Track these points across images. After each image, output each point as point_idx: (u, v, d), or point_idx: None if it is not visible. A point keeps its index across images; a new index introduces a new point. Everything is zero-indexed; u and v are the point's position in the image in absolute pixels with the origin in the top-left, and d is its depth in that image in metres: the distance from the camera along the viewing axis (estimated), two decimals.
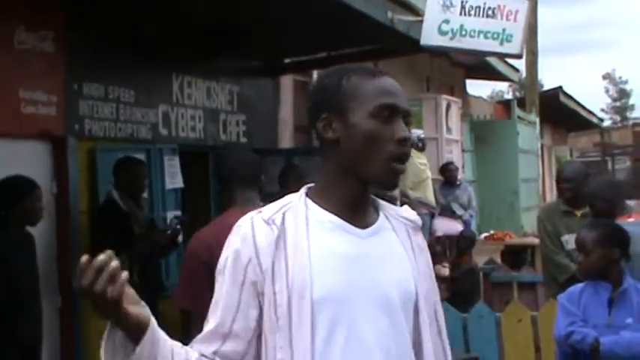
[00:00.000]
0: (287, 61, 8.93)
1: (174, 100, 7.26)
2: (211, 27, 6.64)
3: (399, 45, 7.88)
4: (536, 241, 8.96)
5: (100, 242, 5.74)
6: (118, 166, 6.05)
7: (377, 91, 1.80)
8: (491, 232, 12.82)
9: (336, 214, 1.80)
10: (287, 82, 9.35)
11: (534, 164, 17.12)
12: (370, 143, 1.77)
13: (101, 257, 1.60)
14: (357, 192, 1.82)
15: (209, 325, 1.82)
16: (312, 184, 1.87)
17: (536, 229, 6.29)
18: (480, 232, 13.33)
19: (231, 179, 3.69)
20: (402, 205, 2.00)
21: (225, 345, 1.79)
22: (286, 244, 1.76)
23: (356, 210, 1.82)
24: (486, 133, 15.20)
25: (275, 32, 7.04)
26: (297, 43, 7.88)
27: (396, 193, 9.33)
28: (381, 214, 1.87)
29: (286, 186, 5.95)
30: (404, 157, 1.80)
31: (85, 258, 1.60)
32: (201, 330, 1.85)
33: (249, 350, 1.79)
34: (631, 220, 4.66)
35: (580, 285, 4.10)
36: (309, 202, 1.82)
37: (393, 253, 1.83)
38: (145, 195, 6.54)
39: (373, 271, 1.78)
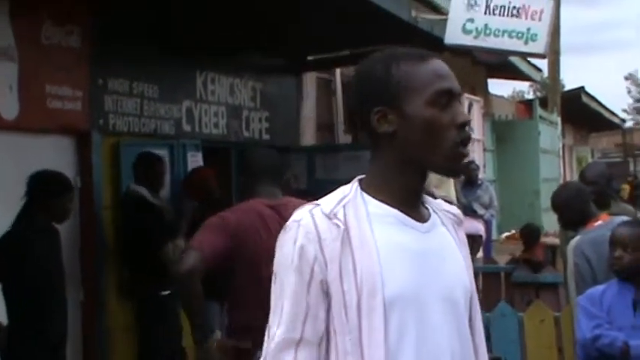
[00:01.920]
0: (310, 58, 8.93)
1: (197, 96, 7.28)
2: (236, 24, 6.65)
3: (423, 44, 7.86)
4: (557, 241, 8.94)
5: (141, 240, 5.81)
6: (141, 161, 6.11)
7: (430, 76, 1.72)
8: (512, 231, 12.78)
9: (393, 207, 1.71)
10: (310, 79, 9.34)
11: (555, 164, 17.05)
12: (432, 132, 1.69)
13: None
14: (416, 184, 1.75)
15: (277, 332, 1.67)
16: (363, 176, 1.77)
17: (558, 230, 6.26)
18: (501, 232, 13.29)
19: (255, 175, 3.85)
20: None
21: (298, 354, 1.65)
22: (351, 240, 1.65)
23: (414, 203, 1.75)
24: (508, 132, 15.16)
25: (299, 29, 7.04)
26: (320, 41, 7.88)
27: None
28: (430, 208, 1.80)
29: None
30: (466, 141, 1.73)
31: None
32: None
33: (320, 356, 1.66)
34: (599, 223, 4.63)
35: (600, 287, 4.06)
36: (365, 195, 1.72)
37: (449, 248, 1.77)
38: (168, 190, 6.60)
39: (438, 267, 1.71)
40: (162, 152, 6.61)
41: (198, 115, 7.27)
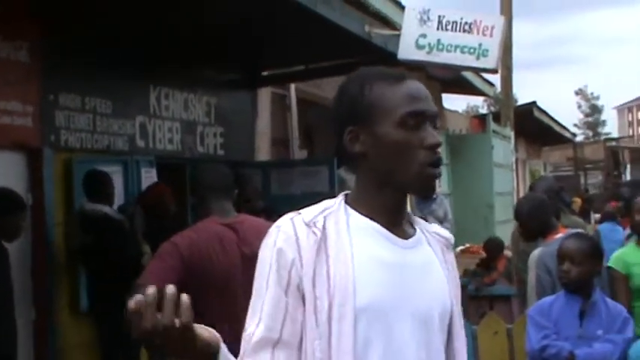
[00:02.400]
0: (265, 73, 8.94)
1: (151, 112, 7.24)
2: (189, 39, 6.63)
3: (376, 59, 7.92)
4: (511, 254, 9.03)
5: (106, 257, 5.74)
6: (94, 178, 6.04)
7: (401, 98, 1.74)
8: (467, 245, 12.87)
9: (378, 222, 1.74)
10: (265, 94, 9.35)
11: (509, 178, 17.23)
12: (400, 153, 1.72)
13: (151, 290, 1.48)
14: (395, 202, 1.77)
15: (255, 331, 1.69)
16: (348, 192, 1.81)
17: (510, 244, 6.33)
18: (456, 246, 13.38)
19: (206, 193, 3.80)
20: None
21: (276, 353, 1.66)
22: (327, 248, 1.68)
23: (395, 219, 1.76)
24: (462, 146, 15.28)
25: (253, 45, 7.05)
26: (274, 56, 7.90)
27: None
28: (417, 228, 1.82)
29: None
30: (437, 162, 1.75)
31: (135, 301, 1.47)
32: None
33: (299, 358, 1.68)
34: (559, 235, 4.71)
35: (549, 298, 4.14)
36: (349, 208, 1.75)
37: (431, 267, 1.78)
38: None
39: (414, 284, 1.72)
40: (116, 168, 6.55)
41: (152, 131, 7.23)
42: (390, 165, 1.73)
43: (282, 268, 1.68)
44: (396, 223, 1.77)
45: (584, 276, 4.00)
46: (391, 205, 1.76)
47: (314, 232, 1.69)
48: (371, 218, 1.74)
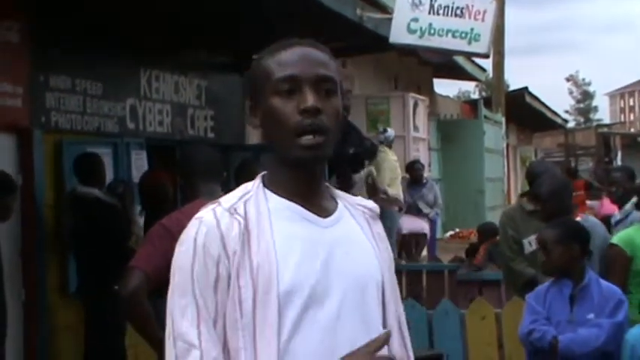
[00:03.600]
0: (255, 56, 8.90)
1: (141, 94, 7.22)
2: (180, 21, 6.61)
3: (368, 42, 7.92)
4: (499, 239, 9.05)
5: (97, 239, 5.73)
6: (85, 161, 6.02)
7: (275, 65, 1.68)
8: (457, 230, 12.93)
9: (294, 202, 1.69)
10: None
11: (500, 163, 17.29)
12: (275, 121, 1.66)
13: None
14: (304, 177, 1.70)
15: (187, 331, 1.63)
16: (265, 173, 1.76)
17: (499, 233, 6.34)
18: (446, 231, 13.44)
19: (195, 173, 3.77)
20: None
21: (203, 350, 1.61)
22: (250, 235, 1.64)
23: (312, 196, 1.71)
24: (453, 132, 15.32)
25: (243, 27, 7.03)
26: (265, 39, 7.85)
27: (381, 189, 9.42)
28: (340, 203, 1.77)
29: (242, 182, 5.97)
30: (309, 129, 1.64)
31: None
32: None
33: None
34: (577, 219, 4.73)
35: (547, 284, 4.16)
36: (267, 190, 1.71)
37: (357, 241, 1.73)
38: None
39: (339, 259, 1.68)
40: (106, 150, 6.54)
41: (142, 113, 7.21)
42: (272, 135, 1.69)
43: (210, 265, 1.63)
44: (313, 199, 1.71)
45: (559, 262, 4.02)
46: (302, 181, 1.70)
47: (237, 220, 1.65)
48: (287, 198, 1.69)
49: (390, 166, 10.04)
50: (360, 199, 1.84)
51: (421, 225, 10.88)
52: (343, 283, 1.67)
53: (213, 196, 3.69)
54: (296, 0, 5.88)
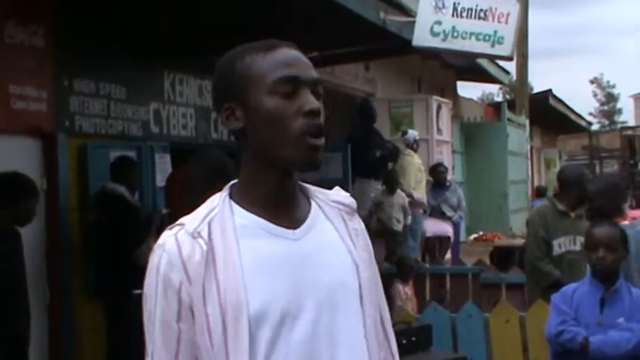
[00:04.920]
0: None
1: (165, 98, 7.25)
2: (204, 25, 6.62)
3: (391, 46, 7.89)
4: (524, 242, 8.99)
5: (115, 238, 5.77)
6: (121, 162, 6.16)
7: (273, 64, 1.62)
8: (480, 233, 12.86)
9: (261, 216, 1.62)
10: None
11: (523, 166, 17.19)
12: (275, 123, 1.59)
13: None
14: (279, 185, 1.63)
15: None
16: (235, 181, 1.69)
17: (527, 232, 6.31)
18: (469, 234, 13.37)
19: (216, 176, 3.71)
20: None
21: None
22: (215, 259, 1.57)
23: (282, 206, 1.64)
24: (476, 134, 15.25)
25: (267, 31, 7.02)
26: (290, 42, 7.87)
27: (402, 194, 9.39)
28: (313, 204, 1.70)
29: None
30: (316, 131, 1.60)
31: None
32: None
33: None
34: (625, 222, 4.70)
35: (573, 285, 4.14)
36: (234, 204, 1.63)
37: (329, 247, 1.66)
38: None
39: (311, 273, 1.61)
40: (130, 154, 6.56)
41: (166, 117, 7.24)
42: (267, 138, 1.60)
43: (171, 294, 1.57)
44: (284, 209, 1.64)
45: (617, 263, 4.00)
46: (278, 189, 1.63)
47: (200, 245, 1.58)
48: (255, 212, 1.62)
49: (415, 170, 10.04)
50: (335, 194, 1.76)
51: (445, 228, 10.82)
52: (316, 297, 1.60)
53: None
54: (319, 4, 5.87)
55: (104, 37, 6.29)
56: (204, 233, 1.59)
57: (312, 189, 1.74)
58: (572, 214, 5.59)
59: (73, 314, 5.98)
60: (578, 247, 5.40)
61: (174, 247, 1.58)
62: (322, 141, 1.62)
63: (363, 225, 1.78)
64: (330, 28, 6.86)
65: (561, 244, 5.55)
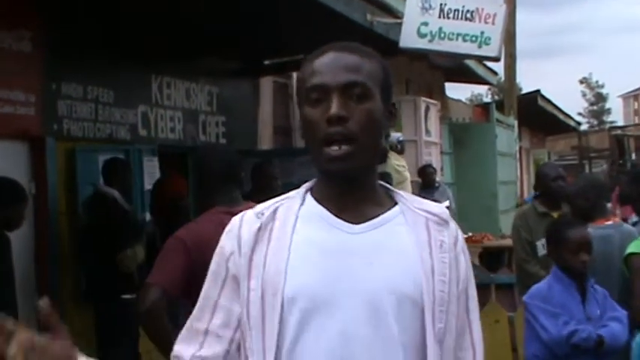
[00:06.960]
0: (266, 62, 8.93)
1: (153, 101, 7.25)
2: (191, 28, 6.63)
3: (378, 47, 7.89)
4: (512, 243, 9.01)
5: (106, 241, 5.76)
6: (114, 165, 6.14)
7: (308, 74, 1.66)
8: (470, 234, 12.87)
9: (327, 208, 1.65)
10: (267, 83, 9.35)
11: (512, 167, 17.22)
12: (307, 131, 1.65)
13: None
14: (332, 183, 1.67)
15: (187, 321, 1.74)
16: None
17: (512, 235, 6.33)
18: None
19: (213, 179, 3.58)
20: None
21: (204, 346, 1.67)
22: (270, 236, 1.64)
23: (347, 203, 1.65)
24: (465, 135, 15.27)
25: (254, 33, 7.04)
26: (276, 45, 7.89)
27: None
28: (397, 207, 1.69)
29: (257, 184, 5.93)
30: (335, 138, 1.60)
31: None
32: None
33: (232, 353, 1.67)
34: (609, 222, 4.71)
35: (542, 284, 4.10)
36: (309, 196, 1.69)
37: (391, 251, 1.62)
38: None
39: (359, 269, 1.59)
40: (119, 157, 6.56)
41: (154, 120, 7.24)
42: (306, 145, 1.68)
43: (221, 262, 1.70)
44: (350, 206, 1.65)
45: (591, 263, 4.05)
46: (334, 190, 1.67)
47: (259, 221, 1.67)
48: (322, 204, 1.67)
49: (392, 171, 9.93)
50: (427, 203, 1.74)
51: None
52: (353, 296, 1.58)
53: (232, 202, 3.56)
54: (306, 6, 5.88)
55: (91, 41, 6.28)
56: (268, 213, 1.68)
57: (407, 196, 1.74)
58: (555, 214, 5.59)
59: (64, 318, 5.95)
60: None
61: (237, 221, 1.71)
62: (347, 147, 1.61)
63: (457, 241, 1.71)
64: (316, 30, 6.85)
65: (544, 245, 5.55)
